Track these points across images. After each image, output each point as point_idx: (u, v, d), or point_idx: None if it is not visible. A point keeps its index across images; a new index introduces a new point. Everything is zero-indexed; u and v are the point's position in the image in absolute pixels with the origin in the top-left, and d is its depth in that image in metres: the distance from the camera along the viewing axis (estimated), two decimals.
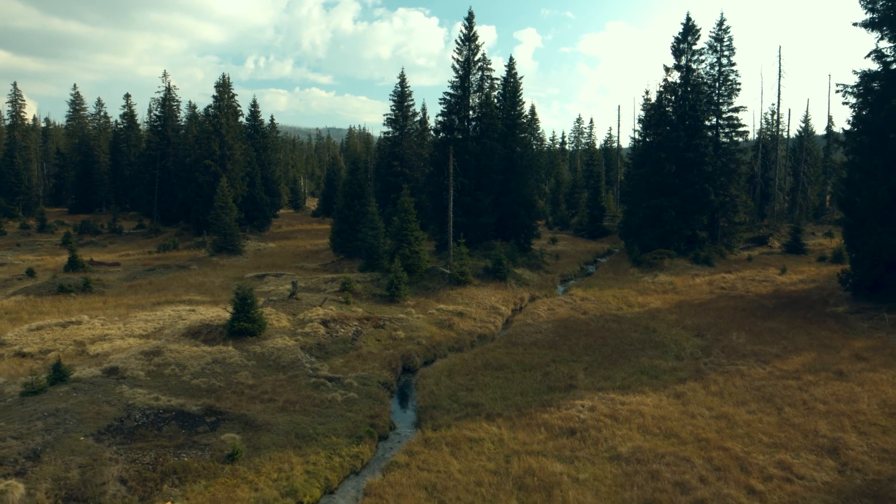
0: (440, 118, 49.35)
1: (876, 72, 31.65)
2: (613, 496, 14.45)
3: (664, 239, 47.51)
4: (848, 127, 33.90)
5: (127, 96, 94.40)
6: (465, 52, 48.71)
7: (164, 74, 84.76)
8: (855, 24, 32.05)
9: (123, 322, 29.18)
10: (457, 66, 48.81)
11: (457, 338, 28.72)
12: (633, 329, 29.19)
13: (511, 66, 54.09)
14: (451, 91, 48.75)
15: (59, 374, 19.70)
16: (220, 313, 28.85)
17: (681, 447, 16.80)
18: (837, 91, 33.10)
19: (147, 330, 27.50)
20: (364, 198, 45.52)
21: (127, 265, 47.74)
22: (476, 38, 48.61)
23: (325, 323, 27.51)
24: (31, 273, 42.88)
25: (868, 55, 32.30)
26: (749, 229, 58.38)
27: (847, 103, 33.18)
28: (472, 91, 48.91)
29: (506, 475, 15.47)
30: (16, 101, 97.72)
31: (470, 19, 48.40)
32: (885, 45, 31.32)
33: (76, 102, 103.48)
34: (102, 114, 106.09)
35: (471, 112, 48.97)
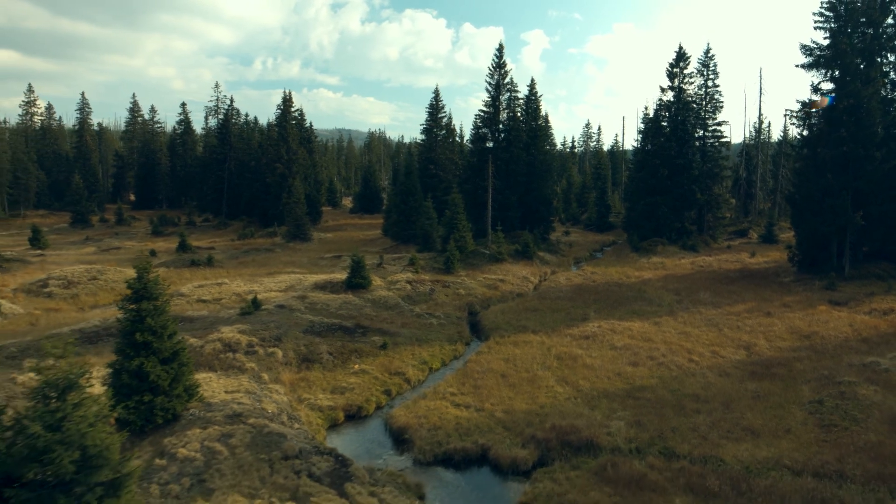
0: (474, 131, 60.38)
1: (813, 101, 42.33)
2: (611, 361, 25.32)
3: (658, 230, 58.19)
4: (796, 142, 44.61)
5: (183, 104, 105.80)
6: (496, 77, 59.68)
7: (216, 86, 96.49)
8: (797, 66, 42.79)
9: (257, 283, 40.16)
10: (489, 87, 59.84)
11: (501, 295, 39.65)
12: (630, 290, 39.96)
13: (532, 85, 65.02)
14: (485, 108, 59.76)
15: (256, 305, 30.71)
16: (330, 276, 39.86)
17: (653, 343, 27.65)
18: (785, 115, 43.88)
19: (280, 287, 38.48)
20: (416, 195, 56.58)
21: (220, 249, 58.76)
22: (505, 66, 59.61)
23: (409, 283, 38.49)
24: (153, 253, 54.00)
25: (811, 87, 43.09)
26: (733, 223, 69.02)
27: (794, 124, 43.96)
28: (501, 108, 59.83)
29: (548, 354, 26.37)
30: (83, 108, 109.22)
31: (500, 50, 59.42)
32: (817, 79, 42.13)
33: (134, 109, 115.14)
34: (156, 119, 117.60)
35: (500, 125, 59.87)
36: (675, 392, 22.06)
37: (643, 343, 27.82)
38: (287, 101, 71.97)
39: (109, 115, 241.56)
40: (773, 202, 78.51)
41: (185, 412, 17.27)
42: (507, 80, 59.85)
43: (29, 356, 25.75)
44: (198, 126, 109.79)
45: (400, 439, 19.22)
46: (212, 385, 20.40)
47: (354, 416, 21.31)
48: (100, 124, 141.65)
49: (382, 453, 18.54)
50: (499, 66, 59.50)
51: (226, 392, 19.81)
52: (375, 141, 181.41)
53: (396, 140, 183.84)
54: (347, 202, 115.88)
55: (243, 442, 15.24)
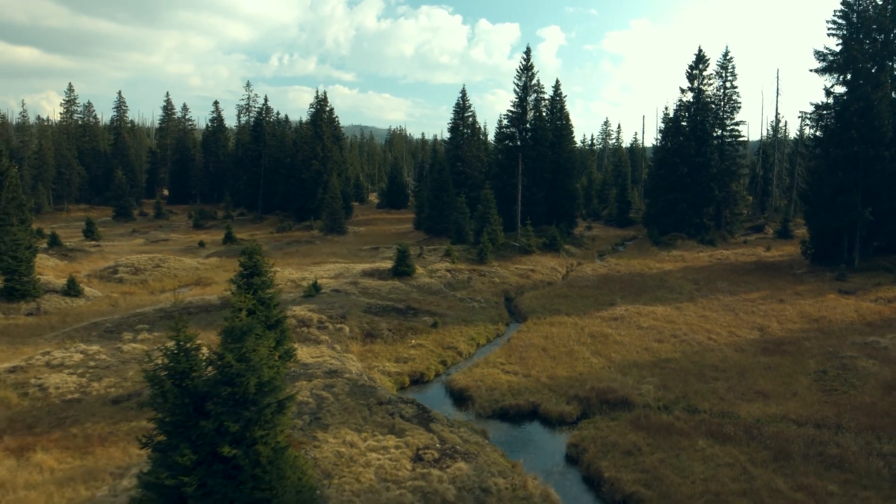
0: (503, 130, 63.65)
1: (825, 104, 45.14)
2: (638, 339, 28.50)
3: (678, 225, 61.06)
4: (809, 142, 47.36)
5: (216, 103, 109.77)
6: (523, 79, 62.82)
7: (248, 85, 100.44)
8: (811, 71, 45.52)
9: (307, 271, 43.63)
10: (517, 89, 62.98)
11: (533, 283, 42.88)
12: (652, 280, 43.01)
13: (557, 86, 68.05)
14: (512, 109, 62.95)
15: (316, 288, 34.15)
16: (376, 265, 43.28)
17: (676, 325, 30.77)
18: (799, 117, 46.66)
19: (330, 274, 41.92)
20: (448, 191, 59.91)
21: (262, 241, 62.32)
22: (532, 68, 62.69)
23: (448, 271, 41.82)
24: (202, 244, 57.75)
25: (824, 90, 45.85)
26: (749, 219, 71.67)
27: (807, 125, 46.70)
28: (528, 108, 62.95)
29: (582, 332, 29.58)
30: (120, 107, 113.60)
31: (528, 53, 62.51)
32: (830, 83, 44.87)
33: (168, 108, 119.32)
34: (188, 117, 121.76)
35: (527, 125, 62.99)
36: (696, 363, 25.21)
37: (666, 324, 30.95)
38: (322, 101, 75.56)
39: (132, 112, 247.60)
40: (789, 199, 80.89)
41: (287, 370, 20.67)
42: (534, 81, 62.98)
43: (123, 330, 29.40)
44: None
45: (461, 398, 22.56)
46: (298, 352, 23.81)
47: (418, 381, 24.69)
48: (132, 121, 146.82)
49: (447, 408, 21.86)
50: (526, 68, 62.60)
51: (311, 357, 23.23)
52: (397, 138, 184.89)
53: (416, 137, 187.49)
54: (372, 198, 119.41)
55: (344, 391, 18.64)
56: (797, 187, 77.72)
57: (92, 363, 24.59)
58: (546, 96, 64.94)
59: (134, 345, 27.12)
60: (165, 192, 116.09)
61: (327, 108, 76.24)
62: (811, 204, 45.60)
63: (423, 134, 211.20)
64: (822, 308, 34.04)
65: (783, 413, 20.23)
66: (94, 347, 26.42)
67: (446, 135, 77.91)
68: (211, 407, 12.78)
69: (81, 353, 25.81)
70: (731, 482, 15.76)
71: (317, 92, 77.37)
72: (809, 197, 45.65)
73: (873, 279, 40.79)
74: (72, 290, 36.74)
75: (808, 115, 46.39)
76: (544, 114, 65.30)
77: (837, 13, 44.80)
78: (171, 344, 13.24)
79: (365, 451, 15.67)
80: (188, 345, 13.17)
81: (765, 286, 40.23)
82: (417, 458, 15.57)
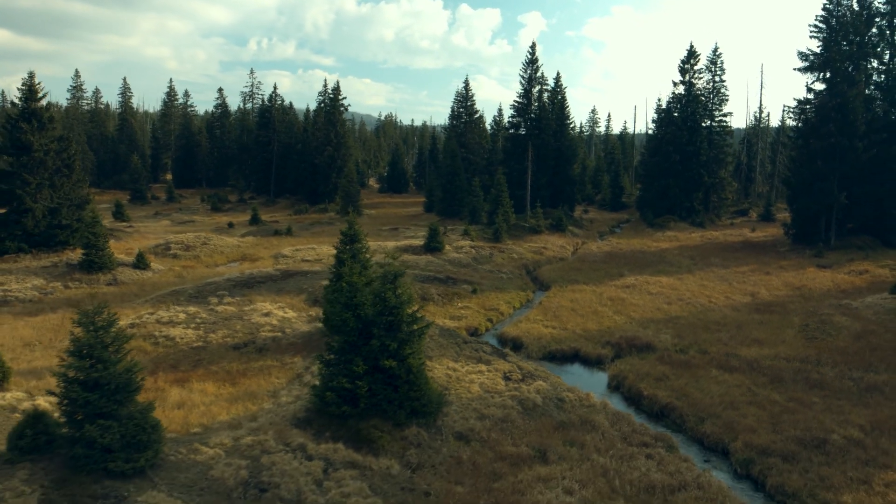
0: (510, 119, 68.54)
1: (806, 99, 50.56)
2: (650, 302, 33.66)
3: (670, 208, 66.43)
4: (791, 133, 52.76)
5: (220, 90, 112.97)
6: (528, 72, 67.59)
7: (251, 72, 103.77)
8: (794, 69, 50.84)
9: None
10: (522, 81, 67.81)
11: (547, 259, 47.95)
12: (652, 256, 48.26)
13: (558, 78, 72.97)
14: (519, 100, 67.78)
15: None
16: (408, 242, 47.99)
17: (679, 291, 35.98)
18: (783, 111, 51.97)
19: None
20: (460, 175, 64.74)
21: (285, 222, 66.65)
22: (537, 61, 67.49)
23: (472, 248, 46.71)
24: (231, 225, 61.93)
25: (806, 87, 51.24)
26: (734, 204, 77.33)
27: (789, 117, 52.08)
28: (533, 100, 67.78)
29: (601, 297, 34.68)
30: (125, 92, 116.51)
31: (533, 47, 67.35)
32: (811, 80, 50.30)
33: (171, 94, 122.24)
34: (189, 103, 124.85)
35: (532, 115, 67.85)
36: (702, 320, 30.42)
37: (672, 291, 36.18)
38: (336, 90, 79.71)
39: (111, 96, 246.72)
40: (770, 185, 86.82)
41: None
42: (539, 74, 67.81)
43: (206, 295, 33.82)
44: (204, 107, 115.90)
45: (514, 345, 27.49)
46: None
47: (473, 334, 29.56)
48: (131, 107, 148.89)
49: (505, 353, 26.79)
50: (531, 61, 67.39)
51: None
52: (389, 125, 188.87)
53: (405, 124, 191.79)
54: (372, 182, 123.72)
55: (435, 333, 23.49)
56: (779, 174, 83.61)
57: (198, 320, 29.11)
58: (548, 87, 69.84)
59: (223, 307, 31.60)
60: (168, 177, 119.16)
61: (339, 96, 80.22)
62: (793, 189, 51.10)
63: (412, 120, 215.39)
64: (803, 279, 39.46)
65: (775, 354, 25.43)
66: (192, 309, 30.88)
67: (435, 121, 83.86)
68: (375, 331, 17.59)
69: (183, 312, 30.29)
70: (740, 396, 20.90)
71: (325, 81, 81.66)
72: (792, 183, 51.15)
73: (847, 256, 46.33)
74: (140, 263, 40.99)
75: (791, 109, 51.88)
76: (547, 104, 70.18)
77: (819, 17, 50.14)
78: (345, 285, 18.00)
79: (466, 374, 20.58)
80: (359, 285, 17.96)
81: (753, 261, 45.64)
82: (507, 378, 20.53)
